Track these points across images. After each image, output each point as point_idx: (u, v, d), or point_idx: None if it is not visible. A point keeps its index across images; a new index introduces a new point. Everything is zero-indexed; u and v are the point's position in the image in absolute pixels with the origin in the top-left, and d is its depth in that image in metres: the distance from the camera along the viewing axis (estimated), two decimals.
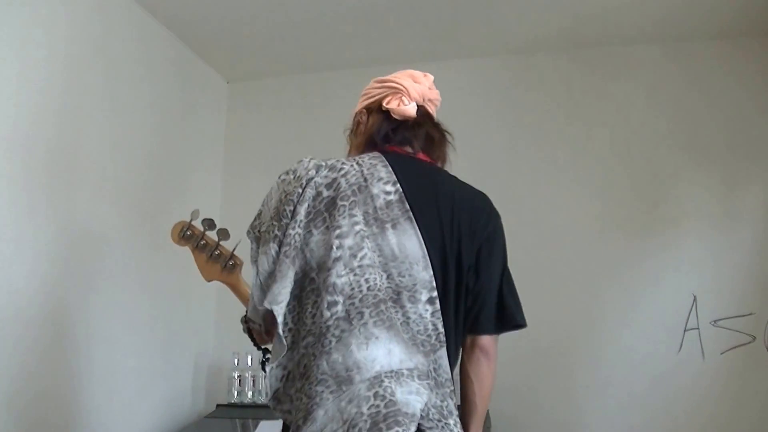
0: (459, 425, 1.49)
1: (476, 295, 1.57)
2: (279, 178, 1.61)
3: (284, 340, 1.51)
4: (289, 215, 1.54)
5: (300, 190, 1.55)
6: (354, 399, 1.41)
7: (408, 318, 1.48)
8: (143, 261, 2.99)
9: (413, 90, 1.73)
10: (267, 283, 1.53)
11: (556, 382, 3.16)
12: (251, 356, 3.27)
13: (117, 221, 2.84)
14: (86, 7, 2.72)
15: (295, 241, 1.52)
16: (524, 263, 3.28)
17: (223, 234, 1.90)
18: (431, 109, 1.79)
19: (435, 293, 1.50)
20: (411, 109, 1.70)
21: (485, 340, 1.60)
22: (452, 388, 1.52)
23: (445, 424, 1.45)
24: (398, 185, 1.56)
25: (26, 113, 2.39)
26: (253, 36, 3.36)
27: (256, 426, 2.82)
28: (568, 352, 3.18)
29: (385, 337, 1.45)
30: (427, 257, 1.51)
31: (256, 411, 3.12)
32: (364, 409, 1.39)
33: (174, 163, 3.29)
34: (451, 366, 1.54)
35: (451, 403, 1.50)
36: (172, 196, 3.26)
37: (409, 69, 1.78)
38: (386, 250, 1.51)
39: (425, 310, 1.49)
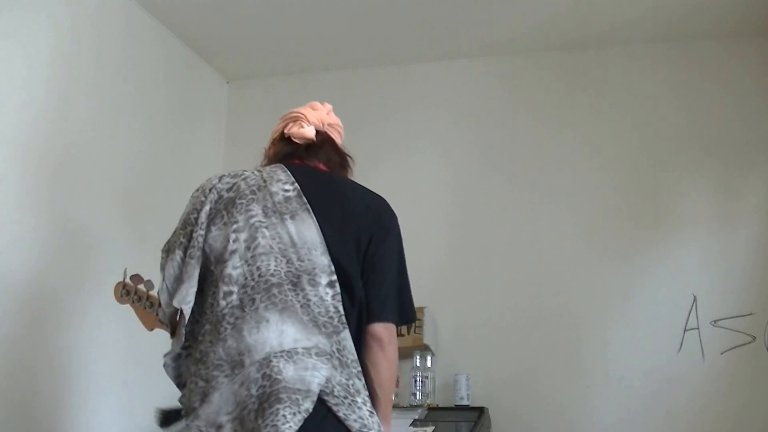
0: (369, 404, 1.58)
1: (371, 285, 1.67)
2: (192, 195, 1.77)
3: (182, 340, 1.65)
4: (194, 222, 1.69)
5: (203, 198, 1.71)
6: (245, 382, 1.51)
7: (309, 300, 1.58)
8: (143, 260, 2.98)
9: (311, 116, 1.86)
10: (174, 287, 1.67)
11: (557, 381, 3.15)
12: None
13: (116, 220, 2.84)
14: (86, 7, 2.73)
15: (198, 243, 1.66)
16: (524, 262, 3.30)
17: (148, 285, 2.00)
18: (334, 135, 1.91)
19: (334, 277, 1.61)
20: (309, 132, 1.83)
21: (377, 328, 1.66)
22: (359, 369, 1.60)
23: (353, 401, 1.54)
24: (296, 184, 1.70)
25: (26, 113, 2.39)
26: (253, 36, 3.36)
27: None
28: (569, 351, 3.17)
29: (276, 319, 1.55)
30: (325, 244, 1.62)
31: None
32: (253, 391, 1.49)
33: (174, 163, 3.29)
34: (357, 349, 1.62)
35: (359, 383, 1.58)
36: (172, 196, 3.26)
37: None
38: (285, 237, 1.63)
39: (326, 293, 1.59)
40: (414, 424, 2.87)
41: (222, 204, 1.69)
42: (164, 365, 1.69)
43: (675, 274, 3.16)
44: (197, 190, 1.76)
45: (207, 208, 1.69)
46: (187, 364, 1.64)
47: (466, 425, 2.93)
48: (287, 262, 1.61)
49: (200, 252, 1.65)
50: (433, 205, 3.44)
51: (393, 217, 1.80)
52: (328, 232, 1.64)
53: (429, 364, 3.15)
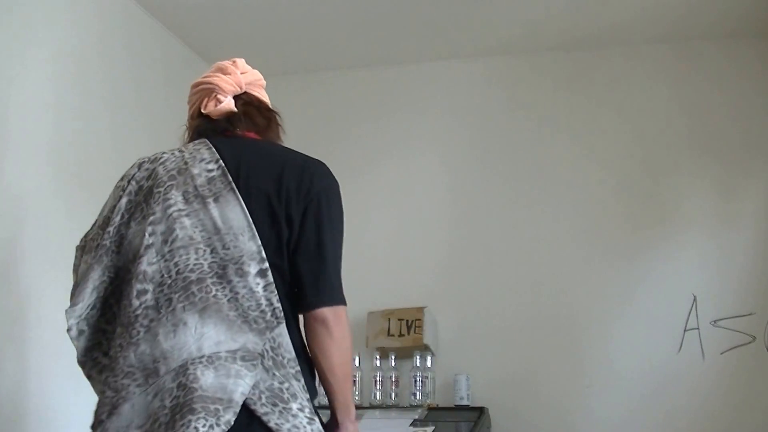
0: (309, 409, 1.41)
1: (307, 262, 1.48)
2: (115, 185, 1.60)
3: (75, 341, 1.50)
4: (108, 220, 1.54)
5: (121, 192, 1.55)
6: (159, 392, 1.35)
7: (236, 293, 1.41)
8: None
9: (225, 84, 1.66)
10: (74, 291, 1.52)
11: (557, 381, 3.16)
12: None
13: None
14: (86, 7, 2.73)
15: (109, 243, 1.50)
16: (524, 262, 3.31)
17: None
18: (256, 92, 1.73)
19: (265, 265, 1.43)
20: (227, 105, 1.63)
21: (322, 311, 1.46)
22: (298, 368, 1.43)
23: (285, 408, 1.36)
24: (221, 162, 1.51)
25: (24, 113, 2.40)
26: (253, 36, 3.36)
27: None
28: (569, 351, 3.17)
29: (195, 321, 1.37)
30: (253, 227, 1.44)
31: None
32: (167, 402, 1.34)
33: None
34: (296, 342, 1.46)
35: (297, 385, 1.41)
36: None
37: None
38: (208, 224, 1.45)
39: (256, 284, 1.42)
40: (414, 424, 2.88)
41: (141, 195, 1.52)
42: (88, 377, 1.52)
43: (675, 274, 3.16)
44: (121, 180, 1.59)
45: (124, 201, 1.53)
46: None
47: (466, 425, 2.93)
48: (212, 251, 1.43)
49: (105, 251, 1.50)
50: (432, 205, 3.44)
51: (332, 181, 1.58)
52: (257, 214, 1.46)
53: (429, 364, 3.15)
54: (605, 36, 3.33)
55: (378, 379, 3.16)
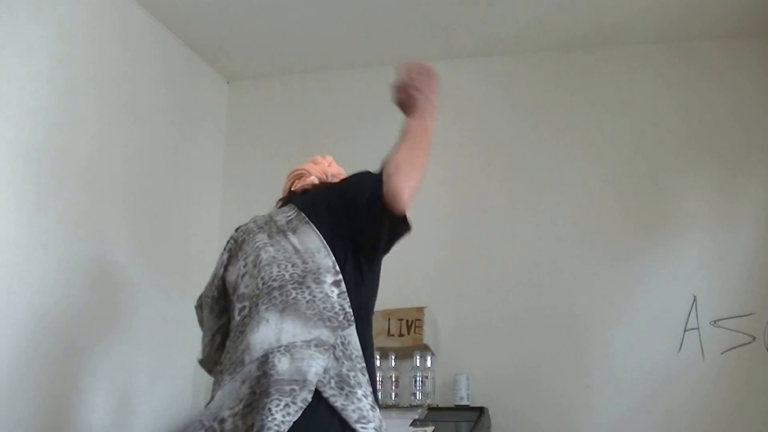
0: (372, 399, 1.61)
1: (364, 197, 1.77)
2: None
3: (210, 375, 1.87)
4: (214, 274, 1.90)
5: (223, 251, 1.90)
6: (247, 379, 1.60)
7: (314, 296, 1.67)
8: (142, 261, 2.99)
9: (314, 170, 2.01)
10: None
11: (558, 381, 3.15)
12: None
13: (115, 221, 2.84)
14: (85, 7, 2.73)
15: (217, 292, 1.87)
16: (524, 262, 3.31)
17: None
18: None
19: (339, 277, 1.70)
20: (312, 180, 1.99)
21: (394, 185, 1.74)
22: (364, 365, 1.65)
23: (350, 392, 1.57)
24: (296, 208, 1.84)
25: (24, 114, 2.40)
26: (253, 36, 3.37)
27: None
28: (569, 351, 3.17)
29: (276, 318, 1.65)
30: (328, 248, 1.73)
31: None
32: (256, 389, 1.57)
33: (174, 163, 3.29)
34: (364, 345, 1.68)
35: (363, 378, 1.62)
36: (172, 197, 3.26)
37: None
38: (288, 248, 1.76)
39: (331, 291, 1.69)
40: (414, 424, 2.87)
41: (237, 247, 1.86)
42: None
43: (675, 274, 3.16)
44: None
45: (225, 256, 1.87)
46: None
47: (466, 425, 2.93)
48: (292, 266, 1.72)
49: (213, 301, 1.87)
50: (432, 204, 3.43)
51: (363, 172, 1.88)
52: (328, 238, 1.74)
53: (429, 364, 3.15)
54: (605, 36, 3.33)
55: (378, 379, 3.15)
